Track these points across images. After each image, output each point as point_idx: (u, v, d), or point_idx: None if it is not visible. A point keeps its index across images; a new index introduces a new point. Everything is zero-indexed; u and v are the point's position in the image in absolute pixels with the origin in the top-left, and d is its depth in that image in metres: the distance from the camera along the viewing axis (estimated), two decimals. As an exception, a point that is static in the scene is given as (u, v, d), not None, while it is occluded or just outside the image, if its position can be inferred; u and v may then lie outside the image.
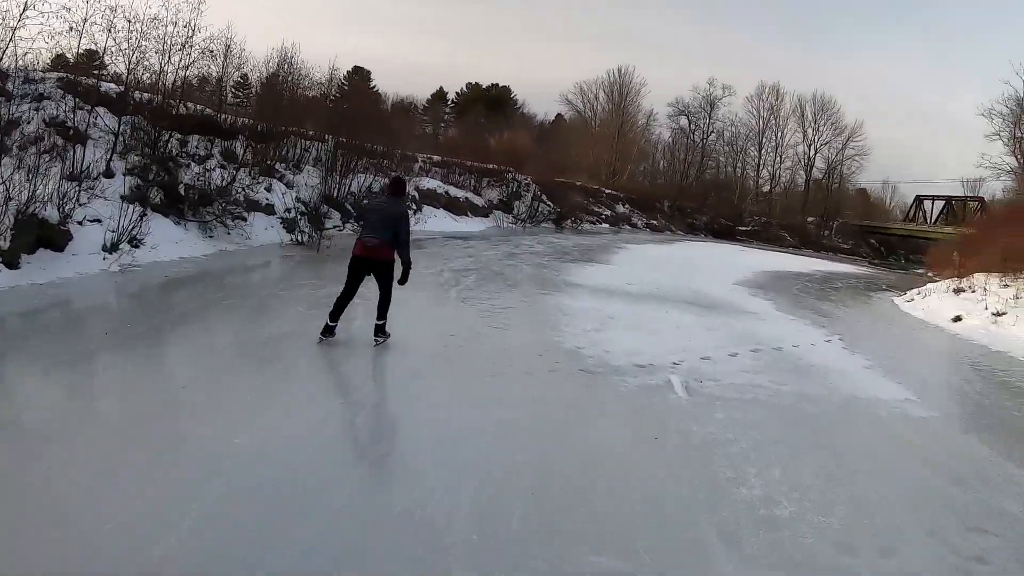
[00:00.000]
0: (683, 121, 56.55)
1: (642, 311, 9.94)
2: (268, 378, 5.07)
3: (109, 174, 10.22)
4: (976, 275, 14.88)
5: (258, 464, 3.59)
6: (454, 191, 23.37)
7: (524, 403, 5.10)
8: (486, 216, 25.29)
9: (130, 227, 8.94)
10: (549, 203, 31.15)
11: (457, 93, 58.30)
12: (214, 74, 15.55)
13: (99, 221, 8.76)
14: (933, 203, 55.84)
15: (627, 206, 44.16)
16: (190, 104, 13.66)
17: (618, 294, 11.41)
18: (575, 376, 6.00)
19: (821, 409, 5.97)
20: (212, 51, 13.31)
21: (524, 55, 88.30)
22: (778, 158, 58.46)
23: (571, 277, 12.94)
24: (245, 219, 12.12)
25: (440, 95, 58.28)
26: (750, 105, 57.56)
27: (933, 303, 14.46)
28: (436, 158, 25.84)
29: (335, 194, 15.19)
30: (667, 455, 4.45)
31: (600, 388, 5.75)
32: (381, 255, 5.98)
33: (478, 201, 25.46)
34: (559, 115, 57.56)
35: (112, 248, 8.48)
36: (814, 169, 58.36)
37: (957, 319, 12.57)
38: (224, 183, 12.05)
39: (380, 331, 6.17)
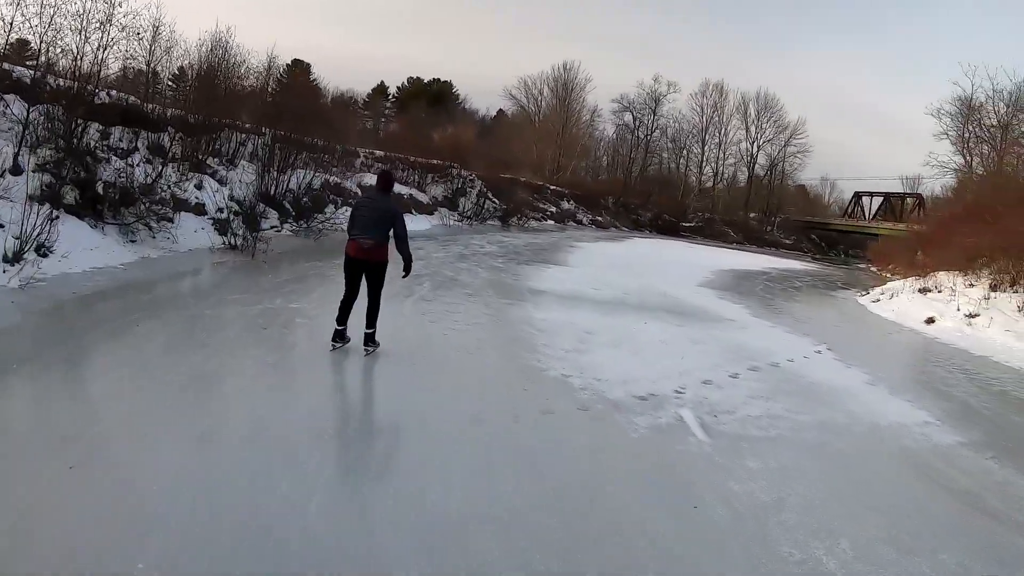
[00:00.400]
0: (628, 117, 56.53)
1: (619, 324, 9.05)
2: (184, 445, 3.80)
3: (16, 171, 8.69)
4: (939, 274, 14.67)
5: None
6: (398, 187, 22.09)
7: (521, 472, 3.96)
8: (431, 214, 24.11)
9: (36, 232, 7.49)
10: (495, 200, 30.18)
11: (398, 88, 56.73)
12: (141, 59, 13.91)
13: (0, 226, 7.31)
14: (872, 199, 57.49)
15: (572, 203, 43.60)
16: (113, 92, 12.05)
17: (586, 301, 10.53)
18: (573, 419, 5.00)
19: (849, 443, 5.26)
20: (138, 32, 11.74)
21: (468, 49, 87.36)
22: (721, 155, 59.15)
23: (532, 282, 11.97)
24: (171, 221, 10.65)
25: (381, 89, 56.56)
26: (694, 102, 58.10)
27: (903, 304, 14.17)
28: (379, 153, 24.48)
29: (272, 192, 13.77)
30: (715, 532, 3.52)
31: (608, 435, 4.77)
32: (377, 256, 5.77)
33: (423, 198, 24.26)
34: (501, 111, 56.68)
35: (14, 258, 7.03)
36: (757, 166, 59.26)
37: (930, 321, 12.27)
38: (149, 180, 10.57)
39: (370, 340, 5.87)
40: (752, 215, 58.49)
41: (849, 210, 60.16)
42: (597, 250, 22.62)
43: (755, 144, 58.85)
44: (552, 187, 41.47)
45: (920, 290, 14.56)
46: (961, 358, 9.90)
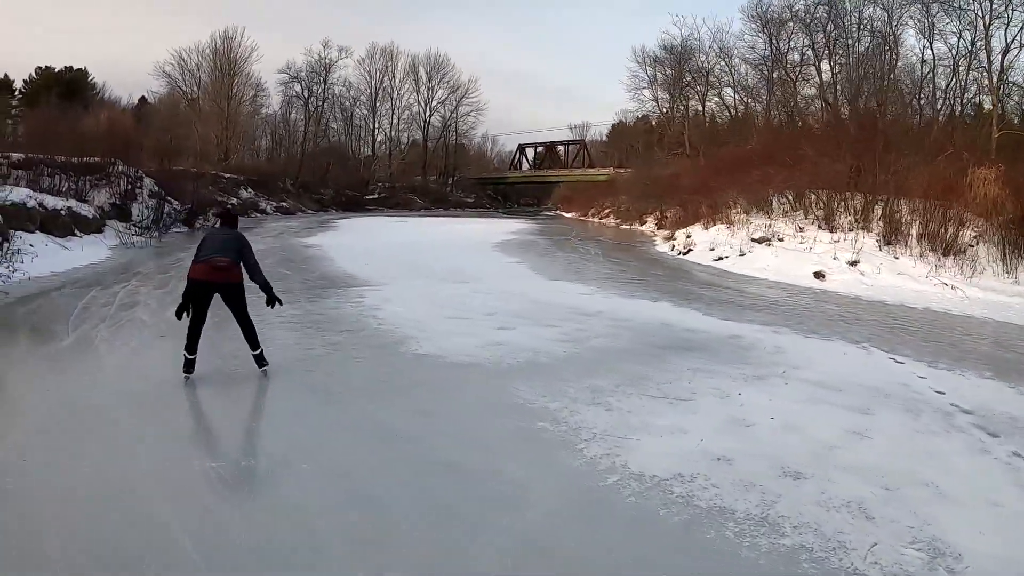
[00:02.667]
0: (297, 88, 51.18)
1: (607, 385, 6.39)
2: None
3: None
4: (730, 222, 15.04)
5: None
6: (51, 201, 15.68)
7: None
8: (100, 231, 17.86)
9: None
10: (172, 200, 24.19)
11: (25, 81, 43.74)
12: None
13: None
14: (535, 150, 61.27)
15: (251, 190, 38.07)
16: None
17: (517, 349, 6.78)
18: None
19: None
20: None
21: (109, 31, 71.01)
22: (396, 120, 57.37)
23: (419, 347, 8.41)
24: None
25: (5, 84, 42.95)
26: (362, 68, 54.95)
27: (763, 259, 14.26)
28: (17, 156, 17.30)
29: None
30: None
31: None
32: (233, 277, 5.43)
33: (85, 211, 17.76)
34: (143, 98, 46.99)
35: None
36: (431, 128, 58.81)
37: (819, 276, 12.43)
38: None
39: (261, 359, 5.63)
40: (431, 178, 58.39)
41: (514, 162, 63.68)
42: (360, 252, 19.10)
43: (428, 106, 58.34)
44: (226, 175, 35.47)
45: (757, 240, 14.81)
46: (918, 315, 9.72)
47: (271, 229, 26.00)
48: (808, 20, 31.38)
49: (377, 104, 56.03)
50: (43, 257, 12.70)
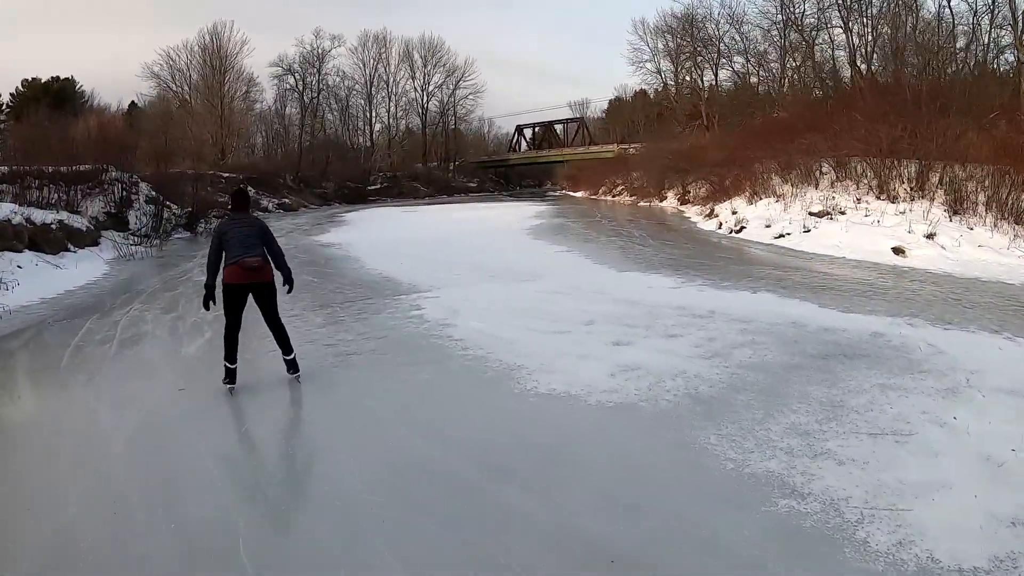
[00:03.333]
0: (291, 80, 49.50)
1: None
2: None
3: None
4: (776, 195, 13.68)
5: None
6: (40, 215, 14.31)
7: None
8: (96, 243, 16.51)
9: None
10: (171, 204, 22.83)
11: (12, 94, 42.32)
12: None
13: None
14: (535, 130, 59.66)
15: (251, 189, 36.59)
16: None
17: (661, 375, 5.67)
18: None
19: None
20: None
21: (94, 39, 69.12)
22: (393, 107, 55.74)
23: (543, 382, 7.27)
24: None
25: None
26: (355, 57, 53.28)
27: (833, 234, 12.83)
28: (2, 170, 15.94)
29: None
30: None
31: None
32: (267, 276, 5.26)
33: (78, 223, 16.39)
34: (132, 103, 45.35)
35: None
36: (429, 113, 57.19)
37: (899, 251, 11.01)
38: None
39: (294, 365, 5.40)
40: (432, 164, 56.86)
41: (513, 143, 62.10)
42: (401, 245, 17.77)
43: (424, 92, 56.65)
44: (225, 175, 34.01)
45: (817, 214, 13.42)
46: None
47: (279, 228, 24.57)
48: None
49: (373, 92, 54.37)
50: (31, 280, 11.37)
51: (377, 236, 18.86)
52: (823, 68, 29.63)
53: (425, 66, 55.88)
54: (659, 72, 41.08)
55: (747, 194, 17.76)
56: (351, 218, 27.89)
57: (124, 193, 20.05)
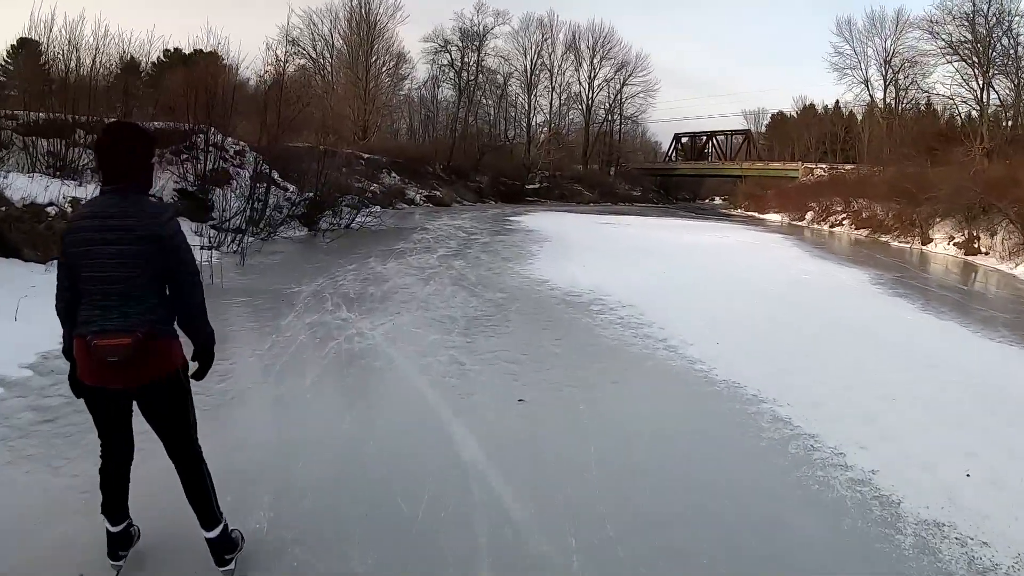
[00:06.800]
0: (447, 57, 43.64)
1: None
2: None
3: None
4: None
5: None
6: (54, 188, 8.04)
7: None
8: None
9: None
10: (284, 184, 16.53)
11: (152, 64, 40.06)
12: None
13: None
14: (694, 140, 51.37)
15: (395, 175, 30.56)
16: None
17: None
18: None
19: None
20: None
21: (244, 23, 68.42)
22: (555, 99, 48.70)
23: None
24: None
25: (133, 66, 39.53)
26: (516, 41, 46.76)
27: None
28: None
29: None
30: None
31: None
32: (147, 373, 2.29)
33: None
34: (279, 77, 41.46)
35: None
36: (593, 110, 49.71)
37: None
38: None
39: (224, 544, 2.48)
40: (594, 167, 49.32)
41: (669, 152, 53.88)
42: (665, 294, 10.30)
43: (591, 85, 49.22)
44: (366, 155, 28.07)
45: None
46: None
47: (440, 231, 17.78)
48: None
49: (534, 81, 47.44)
50: None
51: (634, 278, 10.46)
52: None
53: (593, 57, 48.30)
54: (866, 83, 32.60)
55: None
56: (541, 227, 19.80)
57: (215, 164, 13.77)
